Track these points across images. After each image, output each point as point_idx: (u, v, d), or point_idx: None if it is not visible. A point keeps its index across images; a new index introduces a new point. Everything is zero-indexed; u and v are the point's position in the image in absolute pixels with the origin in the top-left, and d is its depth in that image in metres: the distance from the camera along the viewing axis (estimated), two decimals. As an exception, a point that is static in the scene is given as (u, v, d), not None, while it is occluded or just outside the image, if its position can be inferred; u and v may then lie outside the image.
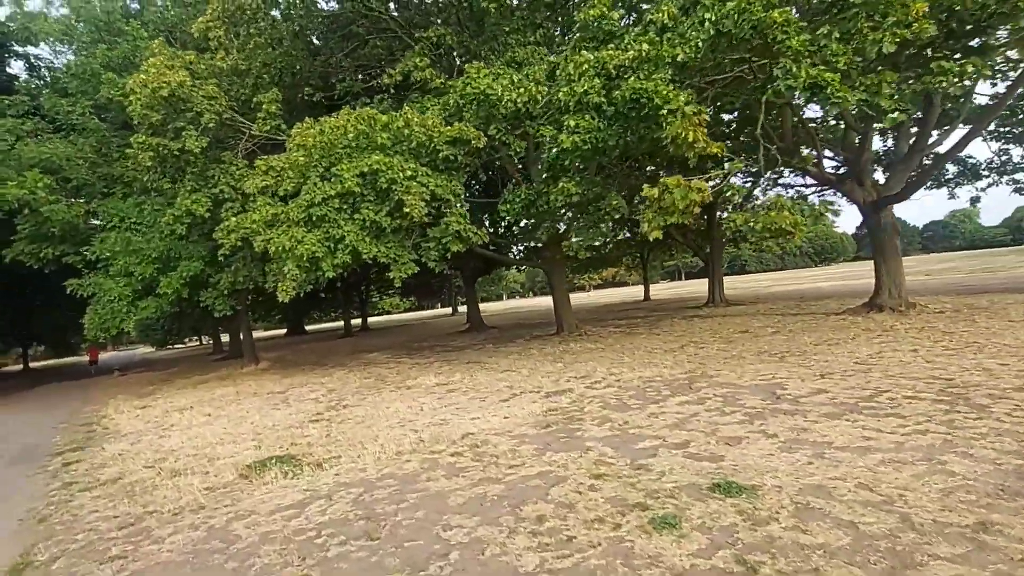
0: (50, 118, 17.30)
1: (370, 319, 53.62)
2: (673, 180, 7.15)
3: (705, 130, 7.07)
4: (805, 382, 7.20)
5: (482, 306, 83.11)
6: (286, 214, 10.08)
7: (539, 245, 17.32)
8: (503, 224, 18.55)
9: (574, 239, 11.24)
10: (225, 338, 40.21)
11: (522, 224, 11.80)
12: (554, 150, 9.10)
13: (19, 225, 15.48)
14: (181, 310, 17.38)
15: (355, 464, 5.60)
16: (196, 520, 4.53)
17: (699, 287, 54.25)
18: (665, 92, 7.38)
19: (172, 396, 14.13)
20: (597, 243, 11.55)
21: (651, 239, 8.01)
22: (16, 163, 14.70)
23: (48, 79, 21.57)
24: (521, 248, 25.42)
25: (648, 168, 14.99)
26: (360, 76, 14.85)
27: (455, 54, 13.41)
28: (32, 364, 50.18)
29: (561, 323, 18.22)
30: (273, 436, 7.40)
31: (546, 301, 71.42)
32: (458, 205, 10.39)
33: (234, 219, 11.92)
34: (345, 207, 9.84)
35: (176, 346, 62.85)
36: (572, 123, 8.52)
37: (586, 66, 8.32)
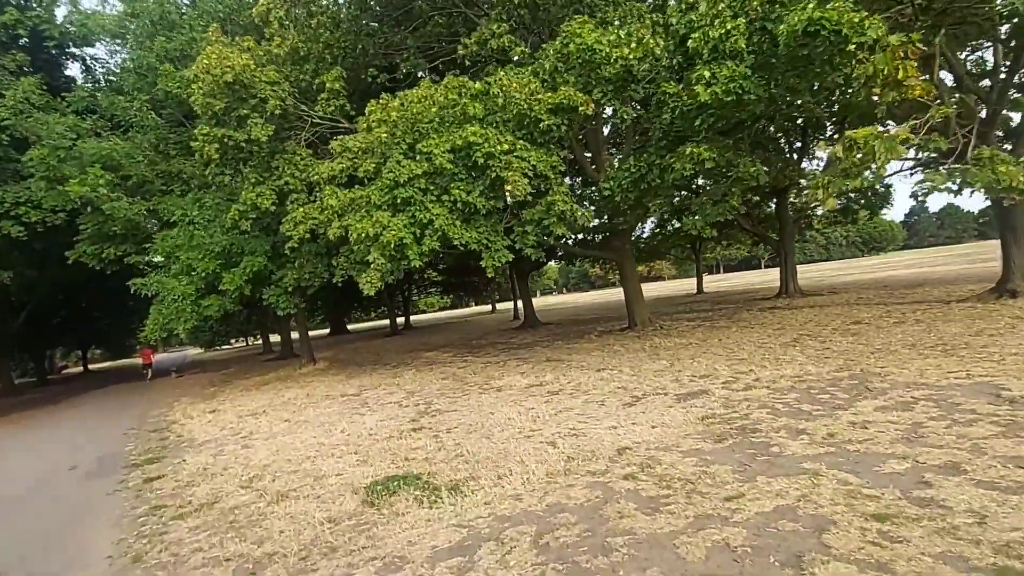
0: (107, 116, 17.02)
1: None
2: (865, 131, 5.81)
3: (916, 65, 5.70)
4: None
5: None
6: (365, 198, 9.15)
7: (607, 234, 16.06)
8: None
9: (696, 217, 9.85)
10: (274, 338, 40.32)
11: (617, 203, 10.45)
12: (677, 110, 7.80)
13: (81, 225, 15.14)
14: (241, 308, 16.88)
15: (502, 488, 4.52)
16: (335, 571, 3.53)
17: (746, 279, 51.61)
18: (855, 21, 6.02)
19: (238, 399, 13.50)
20: (724, 219, 10.03)
21: (824, 209, 6.72)
22: (77, 161, 14.35)
23: (103, 81, 21.50)
24: (574, 239, 24.10)
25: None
26: (424, 56, 13.87)
27: (531, 21, 12.18)
28: (90, 367, 51.64)
29: (633, 317, 16.95)
30: (376, 448, 6.43)
31: (583, 297, 69.40)
32: (560, 183, 9.23)
33: (301, 210, 11.12)
34: (432, 188, 8.84)
35: (223, 347, 63.96)
36: (707, 73, 7.22)
37: (722, 5, 7.03)
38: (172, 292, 13.33)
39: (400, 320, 45.48)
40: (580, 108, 8.48)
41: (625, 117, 9.19)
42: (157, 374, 29.13)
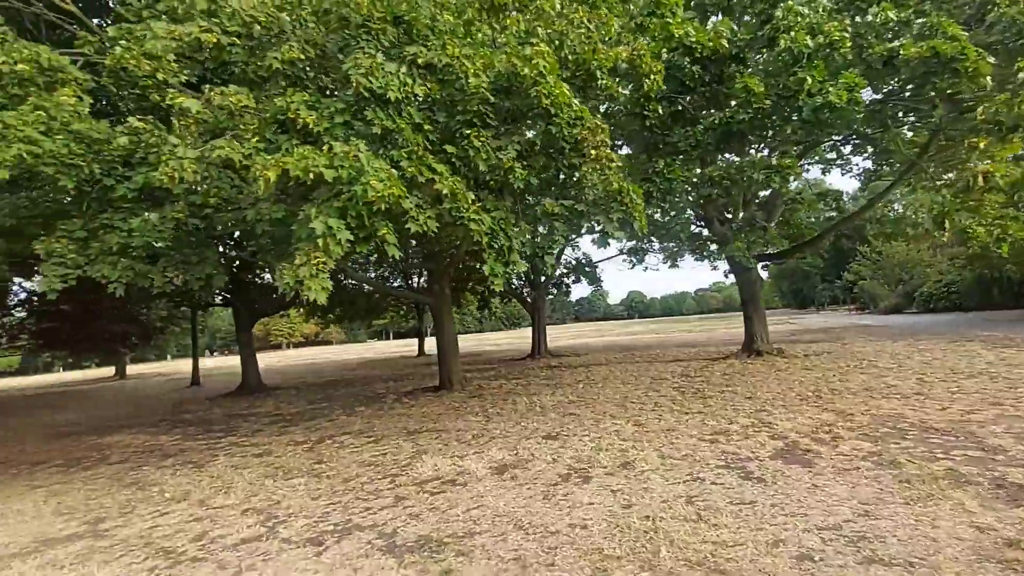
0: None
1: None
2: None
3: None
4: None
5: (160, 366, 63.53)
6: (280, 111, 4.22)
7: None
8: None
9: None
10: None
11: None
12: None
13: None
14: None
15: None
16: None
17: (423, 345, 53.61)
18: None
19: None
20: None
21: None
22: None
23: None
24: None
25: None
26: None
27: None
28: None
29: (449, 376, 14.35)
30: None
31: (228, 362, 56.68)
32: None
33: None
34: (431, 129, 4.69)
35: None
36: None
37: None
38: None
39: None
40: (653, 75, 6.26)
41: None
42: None
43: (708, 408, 8.73)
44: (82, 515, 5.83)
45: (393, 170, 4.54)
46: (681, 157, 8.58)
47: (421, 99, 5.00)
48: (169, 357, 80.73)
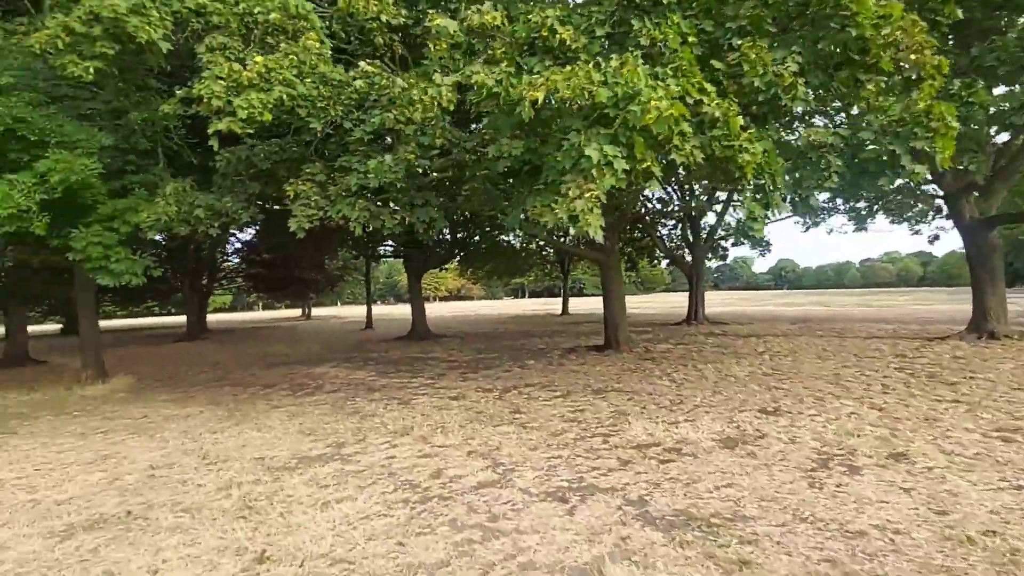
0: None
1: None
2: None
3: None
4: None
5: (335, 310, 71.94)
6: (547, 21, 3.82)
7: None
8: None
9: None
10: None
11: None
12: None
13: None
14: None
15: None
16: None
17: (580, 306, 53.59)
18: None
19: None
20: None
21: None
22: None
23: None
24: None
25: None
26: None
27: None
28: None
29: (616, 335, 13.83)
30: None
31: (397, 310, 61.65)
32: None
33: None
34: (692, 38, 4.00)
35: None
36: None
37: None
38: None
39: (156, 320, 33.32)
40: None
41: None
42: None
43: (965, 397, 7.18)
44: (323, 438, 6.39)
45: (671, 87, 3.92)
46: (980, 78, 6.64)
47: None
48: (339, 304, 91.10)
